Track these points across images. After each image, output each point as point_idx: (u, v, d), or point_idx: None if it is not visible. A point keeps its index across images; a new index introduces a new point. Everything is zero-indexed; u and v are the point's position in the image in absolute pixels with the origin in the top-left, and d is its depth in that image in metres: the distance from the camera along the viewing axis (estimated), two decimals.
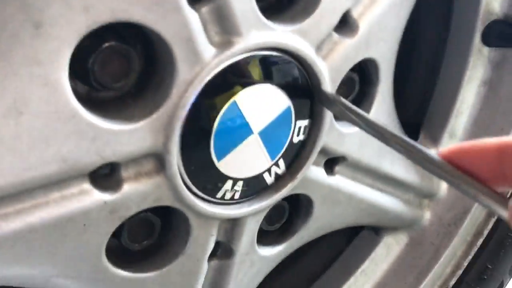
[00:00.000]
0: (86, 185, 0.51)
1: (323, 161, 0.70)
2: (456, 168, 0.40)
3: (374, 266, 1.02)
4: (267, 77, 0.57)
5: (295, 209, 0.75)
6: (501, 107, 0.94)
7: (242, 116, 0.57)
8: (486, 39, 0.90)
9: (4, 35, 0.43)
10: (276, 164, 0.63)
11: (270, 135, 0.60)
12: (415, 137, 0.99)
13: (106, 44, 0.48)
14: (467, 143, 0.40)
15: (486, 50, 0.92)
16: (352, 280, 1.01)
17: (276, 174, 0.64)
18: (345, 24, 0.62)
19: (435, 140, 0.99)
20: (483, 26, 0.89)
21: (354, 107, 0.56)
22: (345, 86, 0.68)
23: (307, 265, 1.04)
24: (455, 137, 0.98)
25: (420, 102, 1.01)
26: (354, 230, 1.02)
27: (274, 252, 0.74)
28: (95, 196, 0.51)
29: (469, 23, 0.89)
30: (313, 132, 0.65)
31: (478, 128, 0.97)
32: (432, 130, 0.98)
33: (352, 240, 1.06)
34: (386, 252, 1.03)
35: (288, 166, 0.65)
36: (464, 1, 0.88)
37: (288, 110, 0.60)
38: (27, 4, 0.42)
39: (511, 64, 0.92)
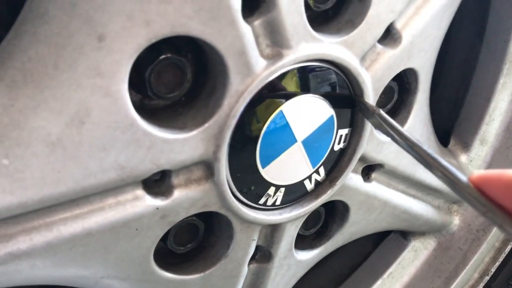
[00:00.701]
0: (140, 191, 0.53)
1: (360, 168, 0.71)
2: (483, 196, 0.41)
3: (401, 269, 1.03)
4: (312, 87, 0.58)
5: (330, 214, 0.76)
6: None
7: (287, 125, 0.58)
8: None
9: (69, 48, 0.44)
10: (317, 171, 0.64)
11: (312, 144, 0.61)
12: (445, 142, 0.99)
13: (163, 56, 0.49)
14: (497, 172, 0.40)
15: None
16: (379, 282, 1.02)
17: (316, 181, 0.65)
18: (389, 35, 0.62)
19: (466, 146, 0.99)
20: None
21: (391, 121, 0.57)
22: (384, 95, 0.69)
23: (334, 267, 1.05)
24: (486, 144, 0.99)
25: (451, 108, 1.01)
26: (381, 234, 1.03)
27: (309, 256, 0.75)
28: (148, 202, 0.53)
29: (504, 30, 0.89)
30: (353, 140, 0.66)
31: (510, 134, 0.97)
32: (463, 136, 0.99)
33: (379, 243, 1.07)
34: (414, 256, 1.04)
35: (328, 173, 0.66)
36: (499, 8, 0.88)
37: (331, 119, 0.61)
38: (92, 18, 0.44)
39: None
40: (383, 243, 1.05)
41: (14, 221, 0.48)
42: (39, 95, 0.45)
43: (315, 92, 0.59)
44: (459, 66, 0.98)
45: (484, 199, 0.40)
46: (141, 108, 0.52)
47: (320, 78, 0.59)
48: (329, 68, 0.58)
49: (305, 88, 0.58)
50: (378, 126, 0.58)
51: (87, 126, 0.46)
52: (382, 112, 0.58)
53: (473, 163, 1.00)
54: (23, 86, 0.45)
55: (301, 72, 0.56)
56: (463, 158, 1.00)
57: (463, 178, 0.43)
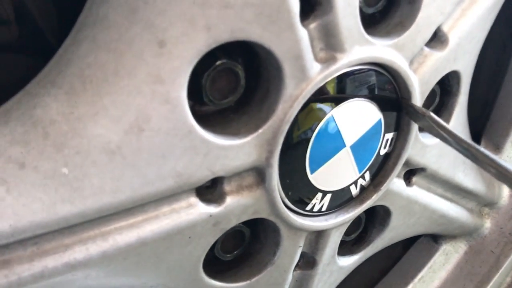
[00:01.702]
0: (193, 199, 0.52)
1: (403, 172, 0.70)
2: None
3: (433, 273, 1.02)
4: (362, 91, 0.57)
5: (370, 219, 0.75)
6: None
7: (337, 130, 0.57)
8: None
9: (129, 54, 0.44)
10: (362, 176, 0.63)
11: (360, 148, 0.60)
12: (476, 143, 0.98)
13: (219, 62, 0.48)
14: None
15: None
16: (410, 287, 1.01)
17: (361, 186, 0.64)
18: (436, 38, 0.62)
19: (497, 148, 0.98)
20: None
21: (443, 123, 0.56)
22: (426, 98, 0.68)
23: (364, 271, 1.04)
24: None
25: (482, 109, 1.00)
26: (411, 237, 1.02)
27: (351, 262, 0.74)
28: (202, 210, 0.52)
29: None
30: (398, 144, 0.65)
31: None
32: (495, 138, 0.98)
33: (409, 246, 1.06)
34: (445, 260, 1.03)
35: (373, 178, 0.65)
36: None
37: (379, 123, 0.61)
38: (152, 24, 0.43)
39: None
40: (413, 247, 1.04)
41: (71, 231, 0.47)
42: (98, 102, 0.44)
43: (364, 95, 0.58)
44: (490, 66, 0.97)
45: None
46: (192, 114, 0.51)
47: (370, 81, 0.58)
48: (379, 71, 0.57)
49: (355, 92, 0.57)
50: (429, 129, 0.58)
51: (146, 134, 0.46)
52: (433, 114, 0.57)
53: None
54: (82, 93, 0.44)
55: (352, 75, 0.55)
56: None
57: None
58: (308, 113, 0.54)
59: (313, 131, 0.56)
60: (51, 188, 0.44)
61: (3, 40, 0.50)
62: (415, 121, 0.62)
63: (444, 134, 0.57)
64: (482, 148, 0.53)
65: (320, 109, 0.55)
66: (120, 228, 0.49)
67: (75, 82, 0.44)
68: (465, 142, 0.54)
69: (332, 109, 0.56)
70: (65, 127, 0.44)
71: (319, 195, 0.61)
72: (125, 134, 0.45)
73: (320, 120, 0.56)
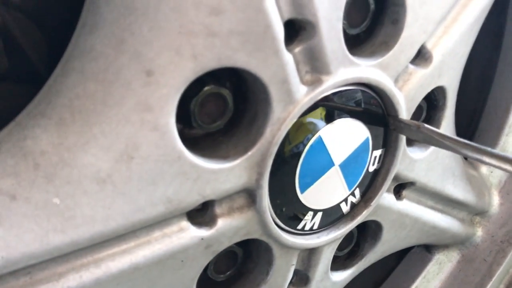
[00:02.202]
0: (184, 223, 0.52)
1: (393, 187, 0.71)
2: None
3: (426, 283, 1.03)
4: (350, 111, 0.58)
5: (362, 234, 0.76)
6: None
7: (325, 150, 0.58)
8: None
9: (117, 84, 0.44)
10: (352, 193, 0.64)
11: (349, 166, 0.61)
12: None
13: (207, 87, 0.49)
14: None
15: None
16: None
17: (351, 203, 0.65)
18: (420, 55, 0.63)
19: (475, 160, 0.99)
20: None
21: (440, 131, 0.57)
22: (413, 113, 0.69)
23: (358, 283, 1.05)
24: None
25: (470, 120, 1.02)
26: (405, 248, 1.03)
27: (343, 277, 0.75)
28: (193, 233, 0.53)
29: None
30: (387, 160, 0.66)
31: None
32: None
33: (403, 257, 1.06)
34: (438, 269, 1.03)
35: (363, 195, 0.66)
36: None
37: (366, 141, 0.61)
38: (140, 54, 0.44)
39: None
40: (407, 257, 1.05)
41: (64, 259, 0.47)
42: (88, 132, 0.45)
43: (351, 115, 0.59)
44: (477, 78, 0.98)
45: None
46: (181, 139, 0.52)
47: (357, 101, 0.59)
48: (364, 91, 0.58)
49: (342, 112, 0.58)
50: (425, 140, 0.58)
51: (136, 161, 0.46)
52: (426, 125, 0.58)
53: (494, 174, 1.00)
54: (71, 123, 0.44)
55: (338, 96, 0.56)
56: (484, 169, 1.00)
57: None
58: (297, 135, 0.55)
59: (302, 152, 0.56)
60: (43, 219, 0.44)
61: None
62: (408, 136, 0.62)
63: (444, 141, 0.57)
64: (488, 148, 0.53)
65: (308, 130, 0.56)
66: (113, 254, 0.49)
67: (65, 113, 0.44)
68: (469, 145, 0.55)
69: (320, 130, 0.57)
70: (55, 158, 0.44)
71: (310, 213, 0.61)
72: (115, 163, 0.45)
73: (308, 141, 0.56)
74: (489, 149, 0.52)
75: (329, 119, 0.57)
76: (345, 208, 0.65)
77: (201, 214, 0.54)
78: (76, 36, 0.45)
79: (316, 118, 0.56)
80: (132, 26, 0.43)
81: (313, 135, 0.56)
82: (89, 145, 0.45)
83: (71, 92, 0.44)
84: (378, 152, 0.64)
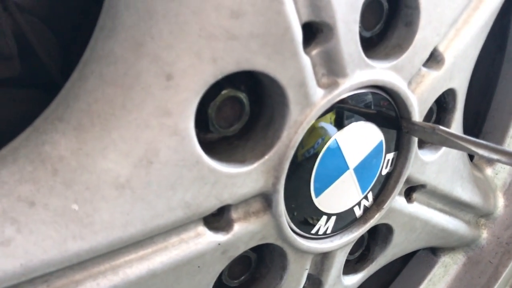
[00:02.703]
0: (201, 228, 0.52)
1: (404, 190, 0.71)
2: None
3: (433, 286, 1.03)
4: (364, 113, 0.58)
5: (373, 237, 0.75)
6: None
7: (340, 153, 0.58)
8: None
9: (137, 88, 0.44)
10: (365, 197, 0.64)
11: (363, 170, 0.61)
12: (470, 156, 1.00)
13: (224, 91, 0.49)
14: None
15: None
16: None
17: (364, 206, 0.65)
18: (432, 58, 0.63)
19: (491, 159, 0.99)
20: None
21: (456, 133, 0.57)
22: (425, 115, 0.69)
23: (366, 286, 1.04)
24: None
25: (474, 122, 1.02)
26: None
27: (355, 281, 0.74)
28: (210, 238, 0.52)
29: None
30: (399, 163, 0.65)
31: None
32: None
33: (408, 260, 1.06)
34: (444, 272, 1.03)
35: (375, 198, 0.66)
36: None
37: (380, 144, 0.61)
38: (159, 57, 0.43)
39: None
40: (413, 260, 1.05)
41: (81, 267, 0.46)
42: (107, 137, 0.44)
43: (366, 118, 0.58)
44: (481, 80, 0.99)
45: None
46: (199, 143, 0.51)
47: (371, 103, 0.58)
48: (379, 94, 0.58)
49: (357, 115, 0.57)
50: (441, 142, 0.58)
51: (155, 166, 0.46)
52: (442, 127, 0.58)
53: (499, 176, 1.00)
54: (90, 128, 0.44)
55: (354, 99, 0.56)
56: (489, 171, 1.01)
57: None
58: (314, 138, 0.55)
59: (318, 156, 0.56)
60: (61, 225, 0.43)
61: (6, 75, 0.50)
62: (423, 138, 0.62)
63: (460, 142, 0.57)
64: (505, 148, 0.53)
65: (325, 134, 0.56)
66: (130, 261, 0.48)
67: (83, 118, 0.44)
68: (485, 145, 0.55)
69: (336, 133, 0.56)
70: (74, 163, 0.43)
71: (324, 218, 0.61)
72: (134, 168, 0.45)
73: (324, 145, 0.56)
74: (506, 148, 0.52)
75: (344, 122, 0.57)
76: (358, 212, 0.65)
77: (217, 219, 0.54)
78: (94, 40, 0.44)
79: (328, 122, 0.56)
80: (152, 30, 0.42)
81: (326, 139, 0.56)
82: (108, 150, 0.44)
83: (90, 97, 0.44)
84: (391, 155, 0.64)
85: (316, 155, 0.56)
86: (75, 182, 0.44)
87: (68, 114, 0.44)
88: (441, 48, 0.63)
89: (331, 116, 0.55)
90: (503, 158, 0.54)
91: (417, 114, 0.62)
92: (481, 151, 0.56)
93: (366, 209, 0.65)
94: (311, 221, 0.60)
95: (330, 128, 0.56)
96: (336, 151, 0.57)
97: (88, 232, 0.44)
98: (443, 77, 0.64)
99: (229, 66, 0.45)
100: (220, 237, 0.53)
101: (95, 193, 0.44)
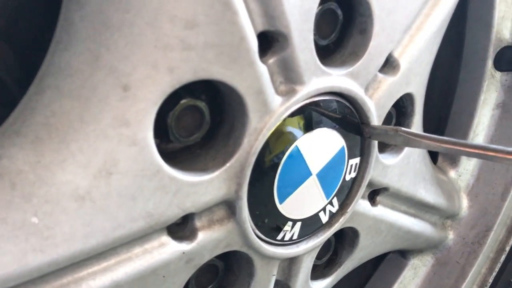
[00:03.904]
0: (165, 237, 0.52)
1: (367, 193, 0.73)
2: None
3: None
4: (324, 120, 0.59)
5: (340, 241, 0.77)
6: None
7: (302, 159, 0.59)
8: (498, 65, 0.95)
9: (94, 100, 0.44)
10: (331, 202, 0.65)
11: (326, 176, 0.62)
12: (433, 159, 1.02)
13: (183, 100, 0.49)
14: None
15: (498, 74, 0.96)
16: None
17: (330, 212, 0.66)
18: (388, 64, 0.65)
19: (453, 161, 1.02)
20: (495, 53, 0.94)
21: (418, 132, 0.59)
22: (383, 120, 0.71)
23: None
24: (472, 158, 1.02)
25: (436, 126, 1.05)
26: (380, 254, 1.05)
27: (323, 285, 0.75)
28: (174, 248, 0.52)
29: (482, 50, 0.94)
30: (362, 167, 0.67)
31: None
32: None
33: (379, 263, 1.08)
34: (414, 274, 1.05)
35: (341, 203, 0.67)
36: (475, 30, 0.93)
37: (342, 150, 0.63)
38: (116, 69, 0.44)
39: None
40: (383, 264, 1.06)
41: (43, 280, 0.46)
42: (65, 149, 0.44)
43: (326, 124, 0.60)
44: (441, 85, 1.02)
45: None
46: (159, 153, 0.52)
47: (331, 110, 0.60)
48: (338, 100, 0.60)
49: (317, 121, 0.59)
50: (404, 143, 0.60)
51: (115, 177, 0.46)
52: (404, 128, 0.60)
53: (462, 177, 1.03)
54: (48, 141, 0.44)
55: (313, 106, 0.57)
56: (452, 173, 1.03)
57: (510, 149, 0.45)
58: (274, 145, 0.56)
59: (280, 162, 0.57)
60: (21, 239, 0.43)
61: None
62: (386, 141, 0.64)
63: (424, 140, 0.58)
64: (468, 141, 0.55)
65: (285, 140, 0.57)
66: (93, 273, 0.48)
67: (41, 131, 0.44)
68: (448, 140, 0.56)
69: (296, 140, 0.57)
70: (32, 177, 0.43)
71: (290, 223, 0.62)
72: (93, 179, 0.45)
73: (286, 151, 0.57)
74: (468, 142, 0.53)
75: (306, 129, 0.58)
76: (324, 217, 0.66)
77: (181, 228, 0.54)
78: (50, 54, 0.44)
79: (295, 128, 0.57)
80: (108, 42, 0.43)
81: (291, 145, 0.57)
82: (67, 163, 0.44)
83: (47, 110, 0.44)
84: (355, 161, 0.65)
85: (278, 162, 0.57)
86: (34, 195, 0.43)
87: (25, 128, 0.44)
88: (396, 54, 0.65)
89: (294, 122, 0.57)
90: (466, 152, 0.55)
91: (376, 118, 0.64)
92: (444, 147, 0.57)
93: (332, 215, 0.66)
94: (276, 227, 0.61)
95: (294, 134, 0.57)
96: (298, 157, 0.58)
97: (49, 245, 0.44)
98: (399, 82, 0.66)
99: (186, 75, 0.46)
100: (184, 246, 0.53)
101: (54, 205, 0.44)
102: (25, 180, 0.43)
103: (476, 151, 0.51)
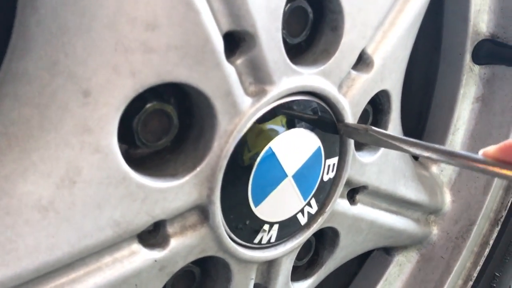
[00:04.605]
0: (135, 246, 0.51)
1: (346, 192, 0.72)
2: (503, 163, 0.43)
3: (389, 285, 1.04)
4: (298, 120, 0.58)
5: (320, 241, 0.76)
6: (495, 121, 0.98)
7: (277, 161, 0.58)
8: (476, 58, 0.95)
9: (54, 106, 0.43)
10: (309, 203, 0.64)
11: (302, 177, 0.61)
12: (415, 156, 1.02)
13: (149, 104, 0.48)
14: (505, 142, 0.43)
15: (476, 68, 0.96)
16: None
17: (309, 213, 0.65)
18: (361, 61, 0.64)
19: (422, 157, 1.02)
20: (472, 46, 0.93)
21: (387, 132, 0.58)
22: (360, 118, 0.70)
23: None
24: None
25: (417, 121, 1.04)
26: (364, 252, 1.04)
27: (305, 286, 0.74)
28: (145, 256, 0.51)
29: (459, 44, 0.93)
30: (339, 167, 0.66)
31: (475, 142, 1.01)
32: None
33: (364, 261, 1.07)
34: (399, 271, 1.05)
35: (320, 204, 0.66)
36: (452, 24, 0.92)
37: (318, 150, 0.62)
38: (75, 74, 0.43)
39: (501, 80, 0.96)
40: (368, 261, 1.06)
41: None
42: (26, 159, 0.43)
43: (301, 125, 0.59)
44: (421, 80, 1.01)
45: (506, 166, 0.43)
46: (127, 159, 0.50)
47: (304, 110, 0.59)
48: (311, 100, 0.59)
49: (291, 122, 0.58)
50: (374, 142, 0.59)
51: (79, 185, 0.44)
52: (374, 127, 0.59)
53: (444, 172, 1.03)
54: (8, 151, 0.42)
55: (285, 106, 0.56)
56: (434, 168, 1.03)
57: (479, 156, 0.45)
58: (246, 147, 0.55)
59: (253, 164, 0.56)
60: None
61: None
62: (358, 139, 0.63)
63: (392, 142, 0.57)
64: (435, 145, 0.54)
65: (258, 142, 0.55)
66: (61, 285, 0.47)
67: (0, 140, 0.42)
68: (417, 143, 0.55)
69: (270, 141, 0.56)
70: None
71: (266, 226, 0.61)
72: (56, 189, 0.44)
73: (259, 153, 0.56)
74: (436, 145, 0.52)
75: (279, 130, 0.57)
76: (302, 219, 0.65)
77: (153, 235, 0.53)
78: (7, 61, 0.43)
79: (268, 129, 0.56)
80: (66, 47, 0.42)
81: (265, 147, 0.56)
82: (28, 173, 0.43)
83: (6, 118, 0.42)
84: (332, 161, 0.64)
85: (251, 164, 0.56)
86: None
87: None
88: (369, 51, 0.64)
89: (268, 122, 0.55)
90: (434, 155, 0.55)
91: (350, 117, 0.63)
92: (413, 150, 0.56)
93: (310, 216, 0.65)
94: (252, 231, 0.60)
95: (267, 135, 0.56)
96: (272, 159, 0.57)
97: (12, 258, 0.43)
98: (374, 79, 0.65)
99: (149, 79, 0.45)
100: (156, 254, 0.52)
101: (16, 217, 0.43)
102: None
103: (446, 158, 0.50)
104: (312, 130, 0.60)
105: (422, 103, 1.03)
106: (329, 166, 0.63)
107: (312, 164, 0.61)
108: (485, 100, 0.99)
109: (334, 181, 0.66)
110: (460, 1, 0.90)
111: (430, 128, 1.03)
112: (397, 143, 0.57)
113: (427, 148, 0.55)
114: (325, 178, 0.64)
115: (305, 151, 0.60)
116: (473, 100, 0.99)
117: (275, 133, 0.56)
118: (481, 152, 0.45)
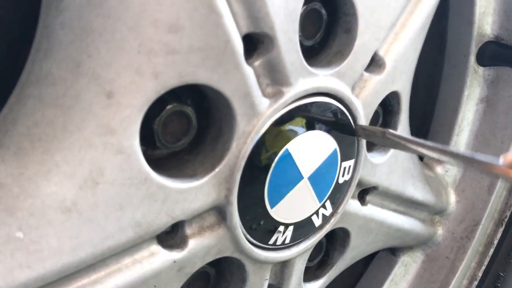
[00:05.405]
0: (155, 247, 0.51)
1: (356, 193, 0.72)
2: None
3: (395, 286, 1.05)
4: (315, 122, 0.59)
5: (331, 242, 0.76)
6: (499, 122, 0.99)
7: (293, 163, 0.58)
8: (480, 60, 0.96)
9: (77, 108, 0.43)
10: (323, 205, 0.64)
11: (318, 179, 0.61)
12: (420, 156, 1.02)
13: (169, 106, 0.48)
14: None
15: (481, 69, 0.97)
16: None
17: (323, 215, 0.65)
18: (373, 62, 0.64)
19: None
20: (477, 48, 0.94)
21: (405, 136, 0.58)
22: (371, 119, 0.71)
23: None
24: None
25: (421, 122, 1.05)
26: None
27: (317, 287, 0.75)
28: (164, 257, 0.51)
29: (464, 46, 0.94)
30: (354, 169, 0.66)
31: (479, 143, 1.02)
32: None
33: (369, 262, 1.08)
34: (404, 271, 1.05)
35: (335, 206, 0.66)
36: (457, 26, 0.93)
37: (334, 153, 0.62)
38: (99, 76, 0.43)
39: (505, 82, 0.97)
40: (373, 262, 1.06)
41: None
42: (49, 160, 0.43)
43: (318, 127, 0.59)
44: (426, 81, 1.02)
45: None
46: (146, 160, 0.51)
47: (321, 112, 0.59)
48: (328, 101, 0.59)
49: (308, 123, 0.58)
50: (391, 145, 0.59)
51: (102, 186, 0.45)
52: (392, 131, 0.59)
53: (449, 173, 1.03)
54: (31, 152, 0.43)
55: (302, 108, 0.57)
56: (439, 169, 1.04)
57: (497, 161, 0.46)
58: (264, 148, 0.55)
59: (270, 166, 0.56)
60: (6, 255, 0.42)
61: None
62: (374, 142, 0.63)
63: (410, 145, 0.58)
64: (453, 148, 0.54)
65: (275, 144, 0.55)
66: (83, 286, 0.47)
67: (23, 142, 0.43)
68: (435, 147, 0.55)
69: (287, 143, 0.56)
70: (16, 189, 0.42)
71: (281, 228, 0.61)
72: (79, 190, 0.44)
73: (276, 154, 0.56)
74: (454, 149, 0.53)
75: (296, 131, 0.57)
76: (317, 220, 0.65)
77: (171, 236, 0.53)
78: (31, 62, 0.43)
79: (285, 130, 0.56)
80: (90, 48, 0.42)
81: (282, 148, 0.56)
82: (52, 174, 0.43)
83: (29, 120, 0.43)
84: (348, 163, 0.65)
85: (268, 165, 0.56)
86: (18, 208, 0.42)
87: (7, 139, 0.43)
88: (381, 53, 0.64)
89: (286, 124, 0.56)
90: (451, 159, 0.55)
91: (363, 118, 0.64)
92: (431, 153, 0.57)
93: (324, 218, 0.66)
94: (268, 232, 0.60)
95: (284, 137, 0.56)
96: (289, 160, 0.57)
97: (35, 259, 0.43)
98: (386, 80, 0.66)
99: (171, 80, 0.45)
100: (175, 255, 0.52)
101: (40, 218, 0.43)
102: (9, 193, 0.42)
103: (464, 161, 0.50)
104: (328, 132, 0.60)
105: (427, 104, 1.03)
106: (344, 168, 0.64)
107: (328, 166, 0.62)
108: (489, 101, 0.99)
109: (347, 184, 0.67)
110: (465, 4, 0.91)
111: (435, 128, 1.03)
112: (415, 147, 0.57)
113: (444, 152, 0.55)
114: (340, 181, 0.64)
115: (322, 153, 0.60)
116: (478, 101, 1.00)
117: (292, 134, 0.57)
118: (501, 159, 0.46)
